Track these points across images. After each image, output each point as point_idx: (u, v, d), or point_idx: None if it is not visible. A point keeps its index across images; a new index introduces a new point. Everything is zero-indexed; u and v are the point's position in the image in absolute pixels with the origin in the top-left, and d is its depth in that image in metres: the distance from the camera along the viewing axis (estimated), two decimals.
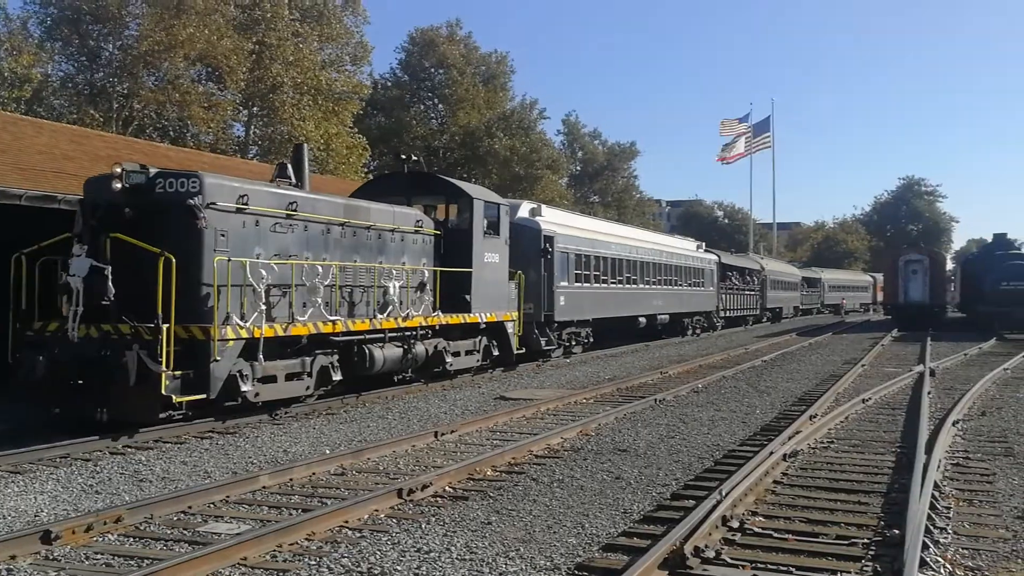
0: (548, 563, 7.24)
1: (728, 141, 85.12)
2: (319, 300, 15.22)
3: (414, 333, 18.08)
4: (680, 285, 38.10)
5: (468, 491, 9.77)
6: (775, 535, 7.91)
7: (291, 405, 15.46)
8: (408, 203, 19.65)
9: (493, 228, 21.01)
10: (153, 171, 13.49)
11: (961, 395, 17.88)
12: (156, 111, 42.35)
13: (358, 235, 16.96)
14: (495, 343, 21.56)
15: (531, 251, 24.05)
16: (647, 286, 33.67)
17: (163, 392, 12.29)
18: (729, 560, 7.10)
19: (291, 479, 10.22)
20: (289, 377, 14.97)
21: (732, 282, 48.17)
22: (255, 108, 47.61)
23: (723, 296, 45.38)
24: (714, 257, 44.88)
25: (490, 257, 20.77)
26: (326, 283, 15.44)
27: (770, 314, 56.14)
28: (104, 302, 12.71)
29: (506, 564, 7.17)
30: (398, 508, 8.95)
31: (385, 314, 17.19)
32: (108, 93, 41.96)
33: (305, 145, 18.73)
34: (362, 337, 16.66)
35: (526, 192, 56.13)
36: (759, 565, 7.06)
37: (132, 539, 7.89)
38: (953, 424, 14.22)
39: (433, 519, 8.58)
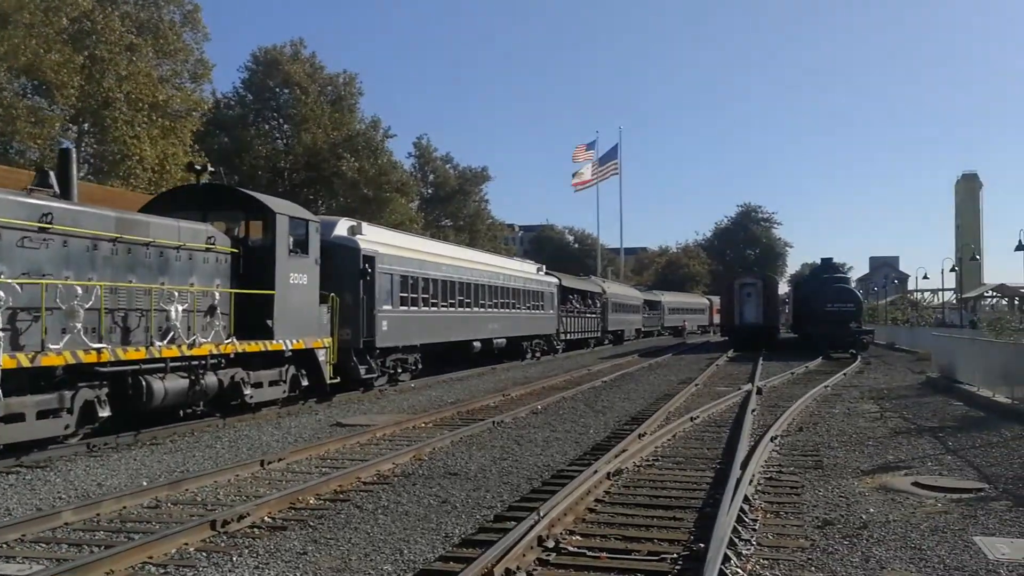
0: None
1: (578, 168, 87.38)
2: (78, 326, 13.48)
3: (203, 362, 16.39)
4: (518, 308, 37.90)
5: (287, 521, 9.52)
6: (589, 553, 8.04)
7: (47, 447, 13.54)
8: (204, 218, 17.93)
9: (300, 246, 19.32)
10: None
11: (782, 412, 18.77)
12: None
13: (134, 252, 15.30)
14: (304, 372, 19.80)
15: (348, 272, 22.47)
16: (482, 309, 33.02)
17: None
18: None
19: (98, 514, 9.69)
20: (44, 415, 13.14)
21: (573, 305, 49.00)
22: (86, 124, 45.42)
23: (564, 319, 45.91)
24: (555, 280, 45.24)
25: (297, 278, 19.09)
26: (87, 306, 13.75)
27: (612, 336, 57.50)
28: None
29: None
30: (210, 541, 8.62)
31: (165, 341, 15.47)
32: None
33: (72, 151, 16.77)
34: (137, 367, 14.92)
35: (375, 215, 55.63)
36: None
37: None
38: (772, 440, 14.89)
39: (246, 551, 8.31)
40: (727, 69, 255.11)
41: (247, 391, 17.59)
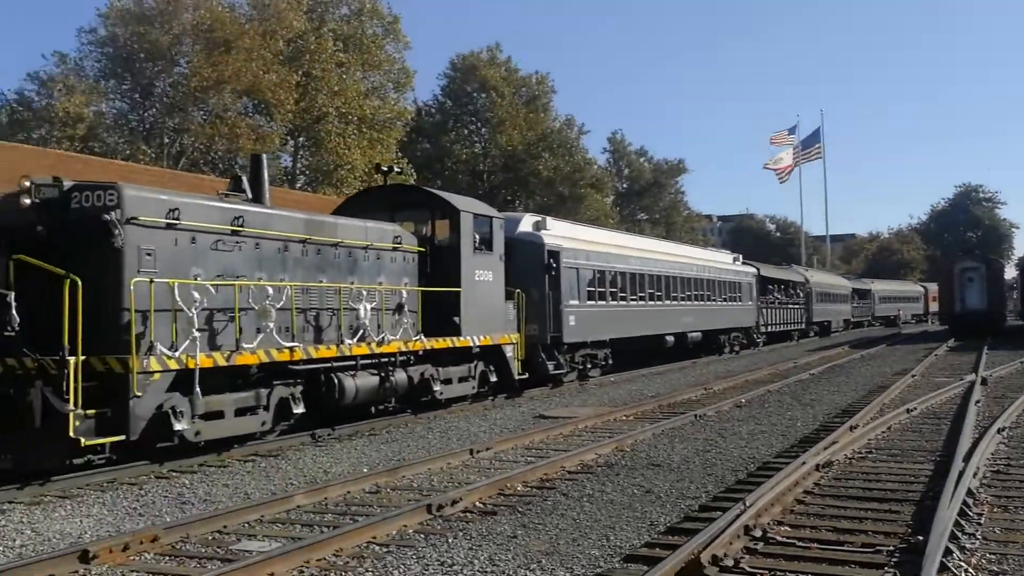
0: (568, 574, 7.32)
1: (778, 153, 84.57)
2: (270, 325, 13.68)
3: (392, 360, 16.67)
4: (713, 300, 36.30)
5: (497, 506, 9.90)
6: (799, 544, 7.90)
7: (246, 443, 13.98)
8: (391, 218, 18.30)
9: (485, 243, 19.39)
10: (68, 184, 12.15)
11: (1011, 403, 17.53)
12: (206, 145, 43.40)
13: (323, 253, 15.56)
14: (492, 368, 19.85)
15: (533, 267, 22.37)
16: (674, 302, 31.94)
17: (71, 435, 10.78)
18: (748, 568, 7.12)
19: (326, 498, 10.44)
20: (242, 412, 13.53)
21: (774, 296, 47.32)
22: (301, 139, 48.55)
23: (764, 311, 44.04)
24: (752, 270, 43.26)
25: (482, 275, 19.13)
26: (279, 306, 13.94)
27: (817, 328, 55.02)
28: (8, 333, 11.33)
29: (526, 575, 7.28)
30: (426, 523, 9.10)
31: (355, 339, 15.70)
32: (160, 129, 43.14)
33: (264, 157, 16.83)
34: (329, 365, 15.23)
35: (570, 212, 56.23)
36: (778, 573, 7.07)
37: (167, 558, 8.16)
38: (998, 431, 13.97)
39: (460, 533, 8.72)
40: (946, 49, 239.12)
41: (437, 387, 17.76)
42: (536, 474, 11.47)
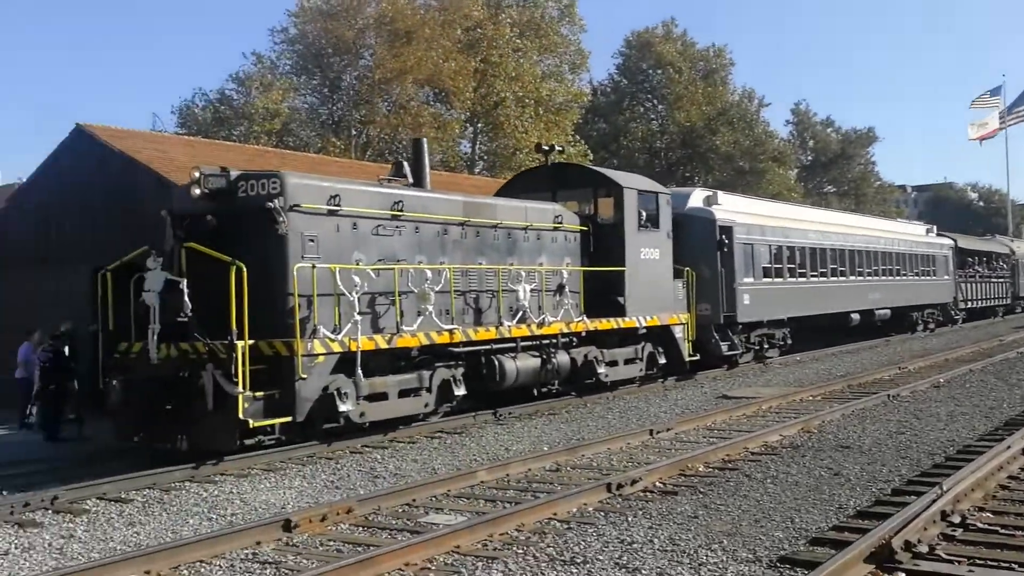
0: (750, 555, 7.21)
1: (980, 117, 78.84)
2: (430, 308, 13.74)
3: (554, 341, 16.47)
4: (904, 275, 34.00)
5: (678, 486, 9.85)
6: (1001, 531, 7.44)
7: (411, 424, 14.29)
8: (553, 198, 18.12)
9: (651, 220, 18.84)
10: (235, 173, 12.48)
11: None
12: (390, 135, 44.96)
13: (482, 235, 15.56)
14: (660, 350, 19.26)
15: (704, 244, 21.49)
16: (859, 278, 30.08)
17: (240, 416, 11.18)
18: (944, 556, 6.77)
19: (507, 474, 10.71)
20: (405, 393, 13.77)
21: (974, 269, 44.16)
22: (480, 124, 49.44)
23: (962, 285, 41.00)
24: (948, 242, 40.31)
25: (648, 253, 18.60)
26: (438, 289, 14.00)
27: None
28: (181, 318, 11.72)
29: (707, 555, 7.22)
30: (606, 502, 9.18)
31: (515, 321, 15.55)
32: (347, 121, 45.05)
33: (424, 141, 17.39)
34: (489, 347, 15.22)
35: (751, 187, 54.66)
36: (978, 561, 6.69)
37: (361, 528, 8.61)
38: None
39: (640, 512, 8.75)
40: None
41: (601, 370, 17.39)
42: (718, 455, 11.32)
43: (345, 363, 12.56)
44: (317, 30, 43.07)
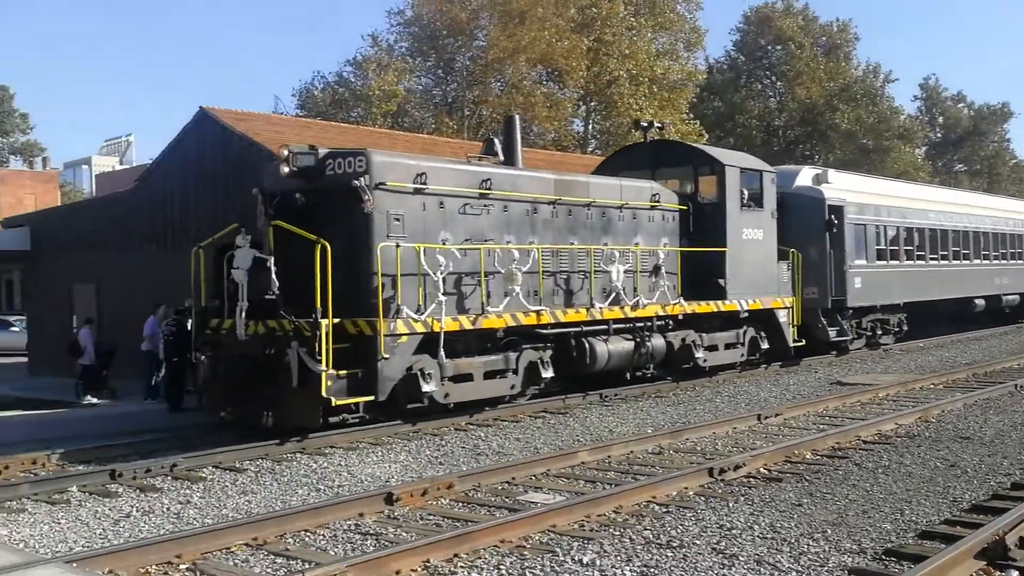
0: (855, 546, 6.99)
1: None
2: (516, 289, 13.42)
3: (648, 324, 15.98)
4: None
5: (783, 473, 9.62)
6: None
7: (496, 406, 14.05)
8: (652, 176, 17.57)
9: (754, 199, 18.14)
10: (323, 151, 12.44)
11: None
12: (503, 114, 45.11)
13: (574, 214, 15.13)
14: (763, 335, 18.48)
15: (811, 225, 20.59)
16: (985, 261, 28.56)
17: (323, 394, 11.17)
18: None
19: (609, 456, 10.67)
20: (491, 375, 13.54)
21: None
22: (593, 103, 49.10)
23: None
24: None
25: (751, 233, 17.86)
26: (525, 269, 13.63)
27: None
28: (268, 296, 11.76)
29: (808, 544, 7.03)
30: (707, 487, 9.04)
31: (607, 303, 15.14)
32: (460, 102, 45.43)
33: (516, 118, 16.78)
34: (579, 329, 14.84)
35: (874, 166, 52.66)
36: None
37: (460, 504, 8.73)
38: None
39: (741, 498, 8.59)
40: None
41: (699, 354, 16.84)
42: (827, 442, 11.01)
43: (429, 343, 12.44)
44: (432, 12, 43.52)
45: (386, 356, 11.70)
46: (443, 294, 12.45)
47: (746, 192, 17.98)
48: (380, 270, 11.78)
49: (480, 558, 6.82)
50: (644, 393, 16.28)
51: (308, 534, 7.71)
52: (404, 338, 12.02)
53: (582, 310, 14.83)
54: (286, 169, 12.06)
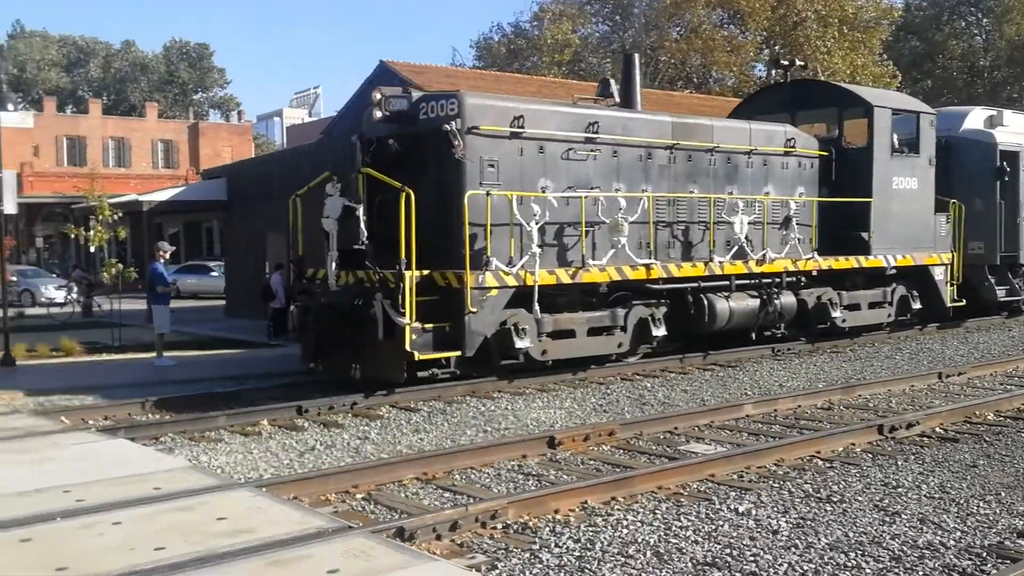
0: None
1: None
2: (622, 240, 12.55)
3: (777, 280, 14.83)
4: None
5: (960, 434, 9.24)
6: None
7: (604, 364, 13.29)
8: (792, 120, 16.28)
9: (909, 144, 16.54)
10: (416, 95, 11.95)
11: None
12: (680, 61, 44.25)
13: (695, 160, 14.04)
14: (915, 294, 16.97)
15: (979, 173, 18.76)
16: None
17: (407, 348, 10.75)
18: None
19: (775, 409, 10.54)
20: (595, 332, 12.75)
21: None
22: (777, 47, 47.27)
23: None
24: None
25: (902, 182, 16.35)
26: (633, 219, 12.75)
27: None
28: (357, 246, 11.44)
29: (979, 506, 6.78)
30: (876, 444, 8.81)
31: (728, 256, 14.11)
32: (637, 48, 44.82)
33: (635, 56, 15.63)
34: (697, 285, 13.81)
35: None
36: None
37: (621, 450, 8.89)
38: None
39: (911, 457, 8.33)
40: None
41: (836, 313, 15.52)
42: (1013, 403, 10.48)
43: (525, 298, 11.84)
44: None
45: (474, 310, 11.16)
46: (537, 245, 11.74)
47: (898, 136, 16.54)
48: (467, 219, 11.20)
49: (637, 502, 6.97)
50: (819, 348, 15.85)
51: (474, 471, 8.09)
52: (494, 291, 11.46)
53: (699, 264, 13.89)
54: (379, 113, 11.66)
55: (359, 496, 7.33)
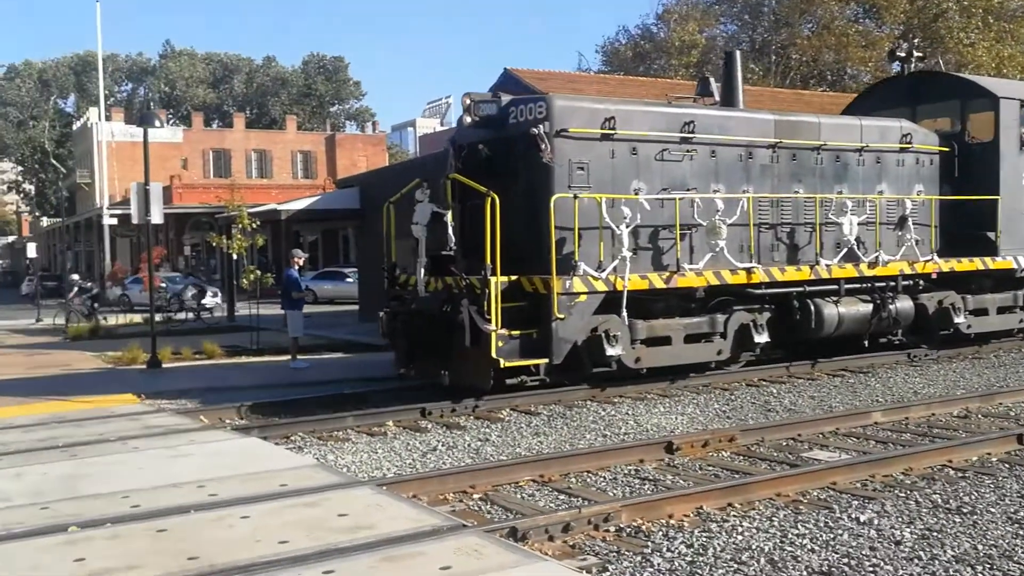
0: None
1: None
2: (720, 243, 12.15)
3: (892, 284, 14.07)
4: None
5: None
6: None
7: (704, 372, 12.89)
8: (912, 114, 15.56)
9: None
10: (506, 99, 11.80)
11: None
12: (812, 58, 43.04)
13: (799, 159, 13.56)
14: None
15: None
16: None
17: (493, 355, 10.57)
18: None
19: (907, 417, 10.16)
20: (692, 339, 12.31)
21: None
22: (916, 40, 45.36)
23: None
24: None
25: None
26: (731, 221, 12.32)
27: None
28: (445, 252, 11.44)
29: None
30: (1015, 454, 8.39)
31: (837, 259, 13.53)
32: (767, 46, 43.87)
33: (736, 54, 15.02)
34: (802, 289, 13.23)
35: None
36: None
37: (741, 457, 8.75)
38: None
39: None
40: None
41: (959, 319, 14.57)
42: None
43: (618, 303, 11.49)
44: None
45: (561, 316, 10.95)
46: (628, 249, 11.45)
47: None
48: (553, 223, 11.05)
49: (754, 508, 6.86)
50: (960, 354, 15.17)
51: (590, 475, 8.12)
52: (583, 297, 11.22)
53: (805, 268, 13.32)
54: (468, 119, 11.68)
55: (476, 496, 7.48)
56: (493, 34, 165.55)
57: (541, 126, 11.12)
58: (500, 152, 11.62)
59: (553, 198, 11.07)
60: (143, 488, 6.87)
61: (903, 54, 17.26)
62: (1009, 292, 15.57)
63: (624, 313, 11.48)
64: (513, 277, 11.05)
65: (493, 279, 10.70)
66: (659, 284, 11.92)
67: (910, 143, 14.69)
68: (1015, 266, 15.31)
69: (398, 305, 12.26)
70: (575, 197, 11.12)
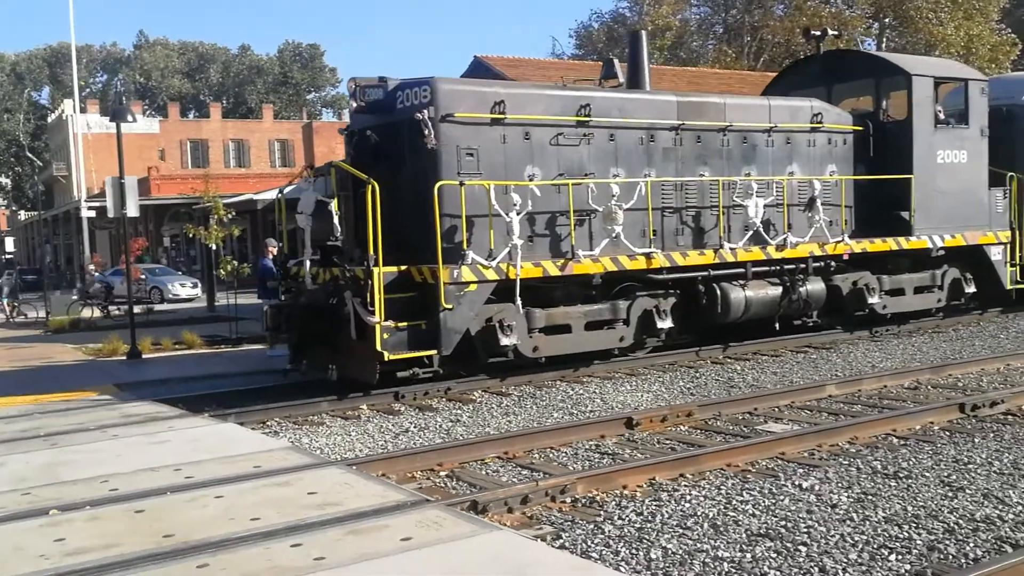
0: None
1: None
2: (616, 229, 11.85)
3: (802, 266, 13.97)
4: None
5: None
6: None
7: (608, 360, 12.78)
8: (828, 94, 15.45)
9: (957, 115, 15.62)
10: (393, 83, 11.36)
11: None
12: (785, 39, 43.40)
13: (704, 141, 13.26)
14: (970, 276, 15.98)
15: None
16: None
17: (377, 347, 10.31)
18: None
19: (859, 390, 10.58)
20: (594, 326, 12.15)
21: None
22: (887, 19, 45.87)
23: None
24: None
25: (948, 156, 15.26)
26: (628, 206, 12.03)
27: None
28: (331, 242, 11.10)
29: None
30: (956, 422, 8.82)
31: (742, 242, 13.27)
32: (740, 29, 44.20)
33: (642, 35, 14.52)
34: (706, 274, 12.99)
35: None
36: None
37: (698, 431, 9.14)
38: None
39: (990, 435, 8.32)
40: None
41: (873, 299, 14.50)
42: None
43: (503, 292, 11.28)
44: None
45: (449, 306, 10.69)
46: (519, 237, 11.16)
47: (943, 107, 15.63)
48: (438, 211, 10.74)
49: (704, 479, 7.24)
50: (921, 328, 15.65)
51: (553, 451, 8.49)
52: (473, 286, 10.93)
53: (709, 252, 13.06)
54: (354, 104, 11.35)
55: (443, 474, 7.83)
56: (465, 20, 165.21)
57: (426, 111, 10.81)
58: (388, 138, 11.37)
59: (438, 185, 10.79)
60: (122, 473, 7.18)
61: (817, 32, 16.91)
62: (927, 272, 15.52)
63: (519, 302, 11.28)
64: (403, 267, 10.85)
65: (376, 270, 10.42)
66: (553, 271, 11.69)
67: (821, 123, 14.49)
68: (929, 245, 15.21)
69: (289, 297, 12.01)
70: (461, 184, 10.85)
